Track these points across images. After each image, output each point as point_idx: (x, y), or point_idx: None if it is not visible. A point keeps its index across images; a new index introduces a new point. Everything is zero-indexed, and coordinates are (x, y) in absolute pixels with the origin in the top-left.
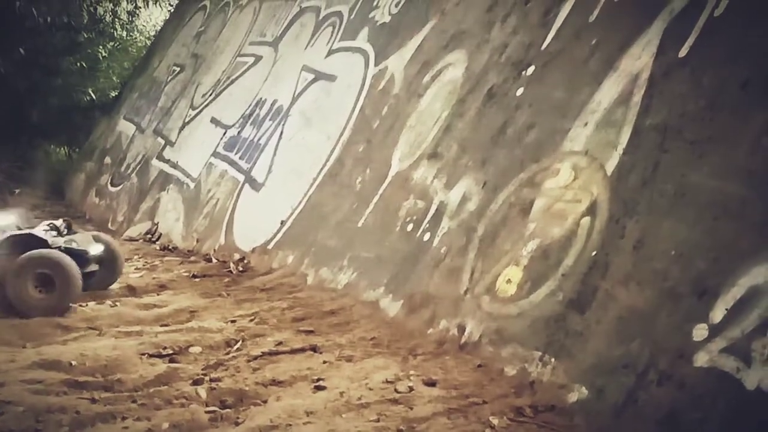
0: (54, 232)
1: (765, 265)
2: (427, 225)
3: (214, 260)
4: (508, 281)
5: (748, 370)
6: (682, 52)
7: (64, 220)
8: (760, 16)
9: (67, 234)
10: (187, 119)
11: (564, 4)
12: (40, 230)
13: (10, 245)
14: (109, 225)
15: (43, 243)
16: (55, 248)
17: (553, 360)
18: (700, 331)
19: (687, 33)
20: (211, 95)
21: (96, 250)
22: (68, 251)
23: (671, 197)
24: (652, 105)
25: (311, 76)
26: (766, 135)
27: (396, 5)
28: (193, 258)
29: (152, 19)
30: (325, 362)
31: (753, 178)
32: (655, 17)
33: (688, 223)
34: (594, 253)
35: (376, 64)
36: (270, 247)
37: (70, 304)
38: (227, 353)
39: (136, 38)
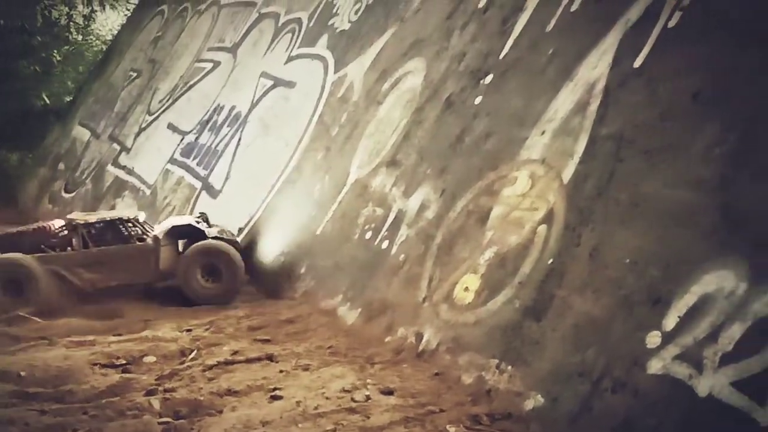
0: (205, 224)
1: (716, 273)
2: (386, 233)
3: None
4: (466, 289)
5: (700, 377)
6: (637, 63)
7: (200, 214)
8: (712, 29)
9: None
10: (143, 125)
11: (522, 13)
12: (193, 221)
13: (172, 235)
14: None
15: (200, 233)
16: (211, 237)
17: (509, 368)
18: (653, 339)
19: (642, 44)
20: (168, 101)
21: (238, 239)
22: (224, 240)
23: (626, 206)
24: (607, 114)
25: (270, 83)
26: (717, 145)
27: (356, 13)
28: None
29: (109, 23)
30: (281, 371)
31: (704, 187)
32: (611, 28)
33: (642, 232)
34: (550, 261)
35: (335, 71)
36: None
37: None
38: (182, 363)
39: (92, 42)
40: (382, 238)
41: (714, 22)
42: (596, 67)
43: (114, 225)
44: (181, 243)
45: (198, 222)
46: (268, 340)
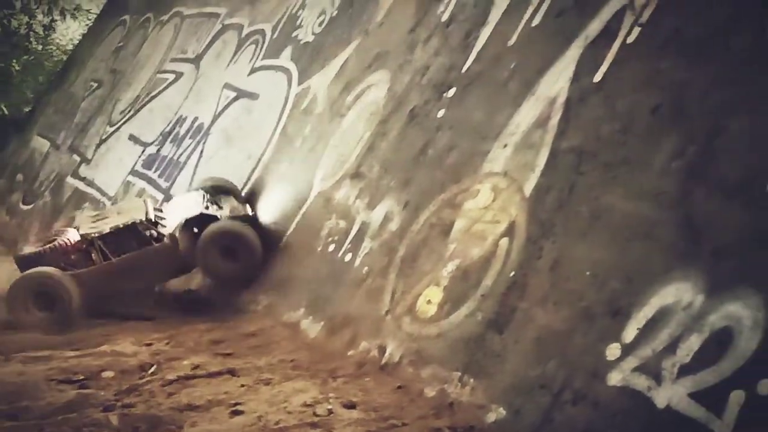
0: (214, 206)
1: (675, 285)
2: (349, 245)
3: None
4: (429, 302)
5: (659, 389)
6: (597, 78)
7: (209, 189)
8: (668, 45)
9: (214, 202)
10: (104, 136)
11: (484, 27)
12: (203, 207)
13: (187, 226)
14: (20, 245)
15: (214, 219)
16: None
17: (472, 380)
18: (613, 351)
19: (601, 59)
20: (129, 112)
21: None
22: (238, 218)
23: (586, 219)
24: (568, 128)
25: (233, 94)
26: (675, 159)
27: (320, 25)
28: None
29: (69, 32)
30: (243, 386)
31: (663, 201)
32: (571, 43)
33: (603, 245)
34: (512, 273)
35: (299, 83)
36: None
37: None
38: (141, 378)
39: (52, 52)
40: (345, 251)
41: (671, 38)
42: (557, 81)
43: (129, 231)
44: None
45: (207, 207)
46: (229, 354)
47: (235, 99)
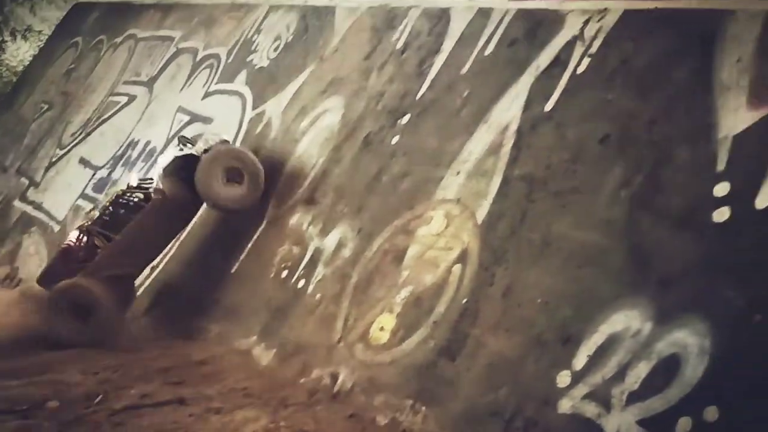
0: (190, 145)
1: (623, 312)
2: (302, 272)
3: None
4: (382, 329)
5: (608, 416)
6: (548, 107)
7: (180, 139)
8: (616, 76)
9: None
10: (54, 159)
11: (438, 55)
12: (176, 151)
13: (170, 175)
14: None
15: (192, 159)
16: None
17: (424, 408)
18: (563, 378)
19: (552, 88)
20: (80, 135)
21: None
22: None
23: (538, 246)
24: (520, 156)
25: (187, 118)
26: (623, 187)
27: (275, 50)
28: None
29: (20, 53)
30: (191, 415)
31: (611, 229)
32: (523, 72)
33: (554, 272)
34: (465, 300)
35: (253, 108)
36: (139, 293)
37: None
38: (87, 408)
39: (1, 73)
40: (298, 277)
41: (618, 69)
42: (509, 109)
43: (117, 205)
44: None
45: (182, 149)
46: (179, 383)
47: (189, 123)
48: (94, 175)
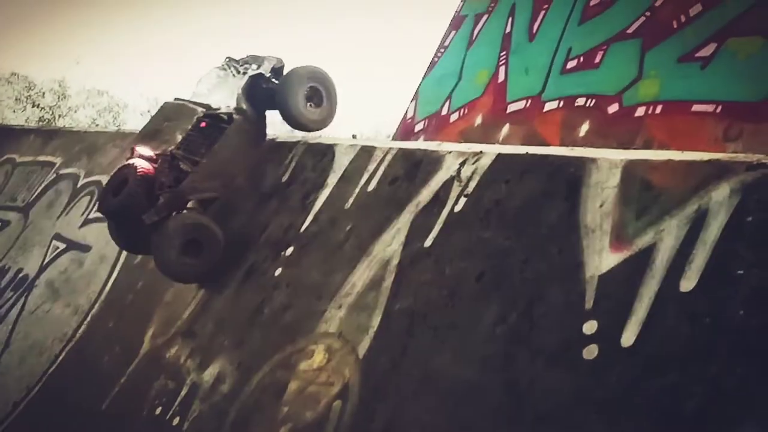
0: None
1: None
2: (178, 408)
3: None
4: None
5: None
6: (427, 243)
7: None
8: (491, 215)
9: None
10: None
11: (322, 190)
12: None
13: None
14: None
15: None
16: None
17: None
18: None
19: (431, 225)
20: None
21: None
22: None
23: (418, 381)
24: (400, 291)
25: (63, 246)
26: (499, 324)
27: None
28: None
29: None
30: None
31: (488, 365)
32: (404, 209)
33: (432, 409)
34: None
35: None
36: None
37: None
38: None
39: None
40: (173, 414)
41: (492, 209)
42: (390, 244)
43: (198, 129)
44: None
45: (227, 69)
46: None
47: (65, 251)
48: None
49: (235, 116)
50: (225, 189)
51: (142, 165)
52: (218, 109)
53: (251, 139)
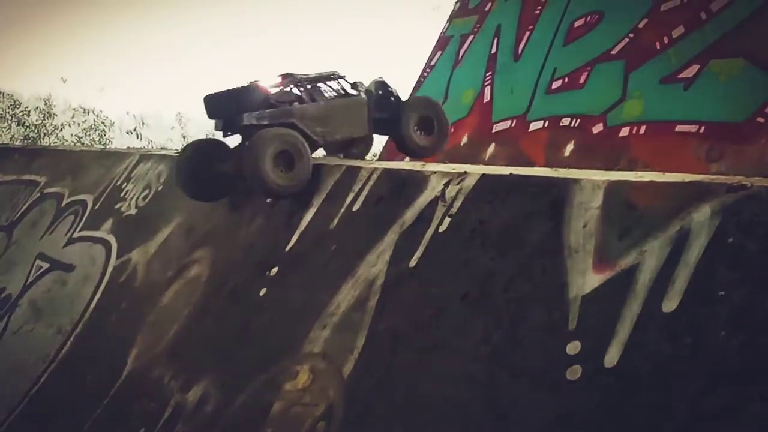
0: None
1: None
2: (161, 429)
3: None
4: None
5: None
6: (412, 263)
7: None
8: (475, 235)
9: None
10: None
11: (307, 210)
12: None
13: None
14: None
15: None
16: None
17: None
18: None
19: (416, 245)
20: None
21: None
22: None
23: (401, 402)
24: (385, 311)
25: (47, 265)
26: (483, 344)
27: (144, 198)
28: None
29: None
30: None
31: (472, 385)
32: (389, 229)
33: (416, 429)
34: None
35: (118, 256)
36: None
37: None
38: None
39: None
40: None
41: (476, 229)
42: (375, 264)
43: (330, 81)
44: None
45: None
46: None
47: (49, 270)
48: None
49: (362, 94)
50: (323, 140)
51: (261, 83)
52: (352, 83)
53: (363, 120)
